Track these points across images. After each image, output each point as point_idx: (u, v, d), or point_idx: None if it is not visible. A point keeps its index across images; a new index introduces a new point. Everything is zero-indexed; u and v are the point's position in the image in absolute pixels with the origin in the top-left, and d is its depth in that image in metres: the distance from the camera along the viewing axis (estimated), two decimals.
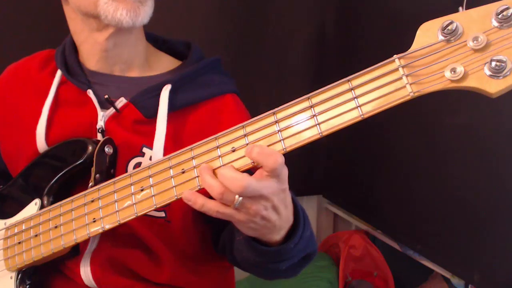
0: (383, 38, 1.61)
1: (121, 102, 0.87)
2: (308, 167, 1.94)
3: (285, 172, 0.61)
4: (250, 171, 0.64)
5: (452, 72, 0.54)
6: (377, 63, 0.59)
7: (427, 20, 0.57)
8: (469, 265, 1.44)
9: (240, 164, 0.65)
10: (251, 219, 0.63)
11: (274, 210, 0.64)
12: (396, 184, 1.69)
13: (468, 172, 1.40)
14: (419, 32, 0.57)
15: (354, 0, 1.83)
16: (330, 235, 2.15)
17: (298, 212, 0.71)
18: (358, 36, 1.80)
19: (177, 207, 0.86)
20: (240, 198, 0.60)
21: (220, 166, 0.65)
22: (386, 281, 1.85)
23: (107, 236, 0.87)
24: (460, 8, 0.56)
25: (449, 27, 0.54)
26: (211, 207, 0.62)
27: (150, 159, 0.85)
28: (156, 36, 1.01)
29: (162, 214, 0.86)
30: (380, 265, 1.88)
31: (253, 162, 0.62)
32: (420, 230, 1.61)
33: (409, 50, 0.57)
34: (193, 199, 0.62)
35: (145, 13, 0.84)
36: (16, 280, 0.89)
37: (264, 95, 1.82)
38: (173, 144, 0.85)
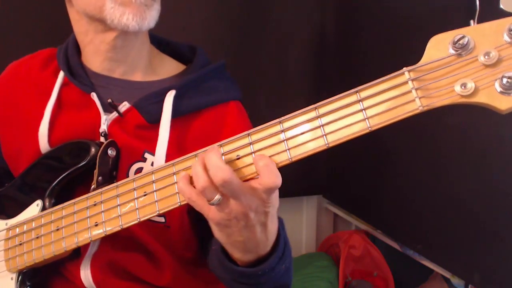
0: (382, 39, 1.59)
1: (124, 106, 0.87)
2: (308, 167, 1.93)
3: (274, 196, 0.61)
4: None
5: (463, 87, 0.53)
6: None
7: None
8: (469, 265, 1.44)
9: (244, 172, 0.64)
10: (224, 223, 0.62)
11: (247, 227, 0.62)
12: (396, 184, 1.69)
13: (468, 172, 1.39)
14: (429, 45, 0.56)
15: (353, 2, 1.82)
16: (330, 235, 2.15)
17: (278, 244, 0.69)
18: (357, 37, 1.78)
19: (176, 213, 0.86)
20: (220, 198, 0.60)
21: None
22: (386, 281, 1.85)
23: (107, 239, 0.87)
24: (472, 22, 0.55)
25: (461, 41, 0.54)
26: (185, 192, 0.63)
27: (152, 165, 0.84)
28: (160, 38, 0.99)
29: (162, 219, 0.86)
30: (380, 265, 1.88)
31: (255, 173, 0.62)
32: (420, 230, 1.61)
33: (419, 63, 0.56)
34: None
35: (152, 17, 0.83)
36: (17, 282, 0.89)
37: (264, 96, 1.82)
38: (175, 150, 0.85)
